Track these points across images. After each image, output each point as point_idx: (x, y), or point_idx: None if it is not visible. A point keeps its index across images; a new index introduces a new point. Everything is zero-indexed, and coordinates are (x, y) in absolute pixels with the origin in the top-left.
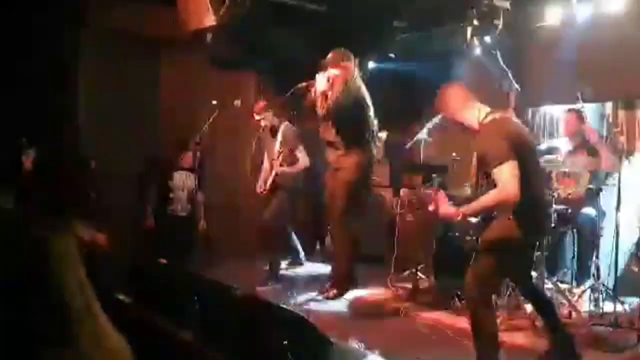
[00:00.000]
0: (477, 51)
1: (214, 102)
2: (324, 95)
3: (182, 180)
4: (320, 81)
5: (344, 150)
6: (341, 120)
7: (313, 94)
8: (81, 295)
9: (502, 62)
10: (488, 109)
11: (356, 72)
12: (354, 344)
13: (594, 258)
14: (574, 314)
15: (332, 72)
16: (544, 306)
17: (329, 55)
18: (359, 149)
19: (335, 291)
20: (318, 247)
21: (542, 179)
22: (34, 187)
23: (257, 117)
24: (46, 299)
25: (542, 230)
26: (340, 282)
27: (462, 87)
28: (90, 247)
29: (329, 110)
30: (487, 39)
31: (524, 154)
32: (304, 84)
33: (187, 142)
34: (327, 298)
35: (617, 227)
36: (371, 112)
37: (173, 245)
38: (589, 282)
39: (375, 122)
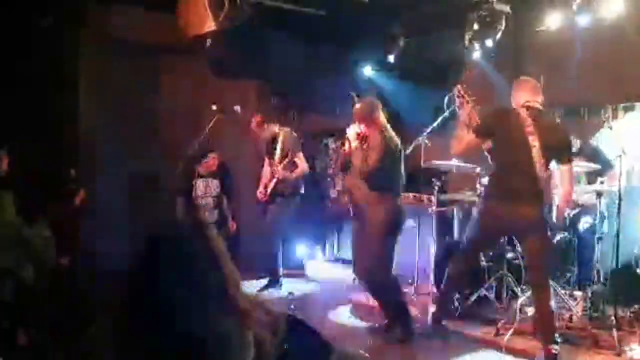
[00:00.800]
0: (477, 55)
1: (214, 107)
2: (359, 149)
3: (204, 188)
4: (352, 136)
5: (376, 195)
6: (380, 176)
7: (347, 148)
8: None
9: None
10: (526, 101)
11: (384, 119)
12: (355, 350)
13: (594, 262)
14: (575, 318)
15: (362, 127)
16: (539, 318)
17: (357, 107)
18: (391, 198)
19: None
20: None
21: (510, 169)
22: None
23: (255, 130)
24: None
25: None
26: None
27: (532, 83)
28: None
29: (370, 167)
30: (487, 43)
31: (494, 136)
32: (339, 143)
33: (206, 149)
34: (400, 340)
35: (617, 230)
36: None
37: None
38: (590, 286)
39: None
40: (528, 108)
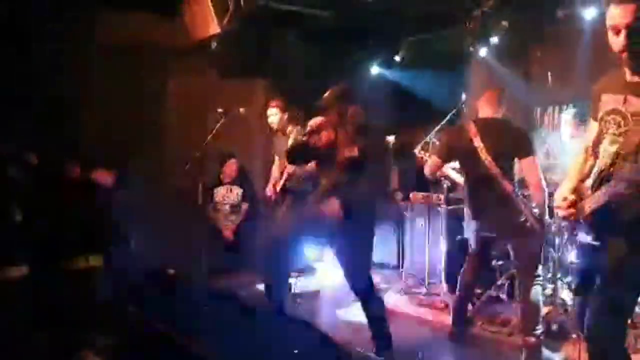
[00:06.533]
0: (482, 53)
1: (220, 110)
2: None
3: (223, 195)
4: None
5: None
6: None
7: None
8: None
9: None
10: (477, 117)
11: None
12: (363, 351)
13: None
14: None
15: (320, 119)
16: (520, 310)
17: (325, 95)
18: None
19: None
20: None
21: (472, 182)
22: None
23: (269, 113)
24: None
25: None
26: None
27: (486, 96)
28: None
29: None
30: (493, 40)
31: (455, 157)
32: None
33: (228, 155)
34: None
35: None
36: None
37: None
38: None
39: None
40: (475, 121)
